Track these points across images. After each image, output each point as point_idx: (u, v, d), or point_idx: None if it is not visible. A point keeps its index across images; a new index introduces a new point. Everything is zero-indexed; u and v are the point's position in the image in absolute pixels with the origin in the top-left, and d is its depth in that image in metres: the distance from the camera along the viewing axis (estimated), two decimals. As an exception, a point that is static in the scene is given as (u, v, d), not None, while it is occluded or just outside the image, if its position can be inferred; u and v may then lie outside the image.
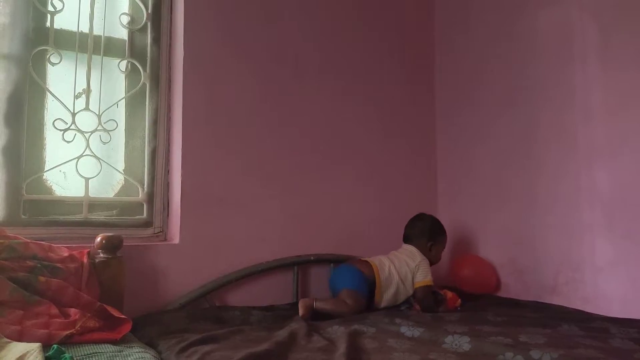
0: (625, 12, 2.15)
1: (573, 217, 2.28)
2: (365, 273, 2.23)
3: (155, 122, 2.34)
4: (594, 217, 2.21)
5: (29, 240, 1.78)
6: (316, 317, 2.03)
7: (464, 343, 1.60)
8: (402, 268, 2.28)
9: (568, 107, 2.33)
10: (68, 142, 2.15)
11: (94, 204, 2.21)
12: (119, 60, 2.30)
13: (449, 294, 2.30)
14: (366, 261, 2.30)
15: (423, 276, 2.28)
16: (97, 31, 2.25)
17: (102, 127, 2.23)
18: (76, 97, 2.19)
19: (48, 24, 2.16)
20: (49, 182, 2.15)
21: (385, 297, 2.25)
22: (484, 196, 2.71)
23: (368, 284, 2.21)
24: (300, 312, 2.02)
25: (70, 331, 1.54)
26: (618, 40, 2.17)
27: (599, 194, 2.20)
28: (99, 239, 1.91)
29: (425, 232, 2.41)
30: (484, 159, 2.72)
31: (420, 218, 2.47)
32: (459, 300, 2.30)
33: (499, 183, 2.63)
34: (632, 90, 2.11)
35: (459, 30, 2.91)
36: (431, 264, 2.36)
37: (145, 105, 2.34)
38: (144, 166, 2.32)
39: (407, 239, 2.43)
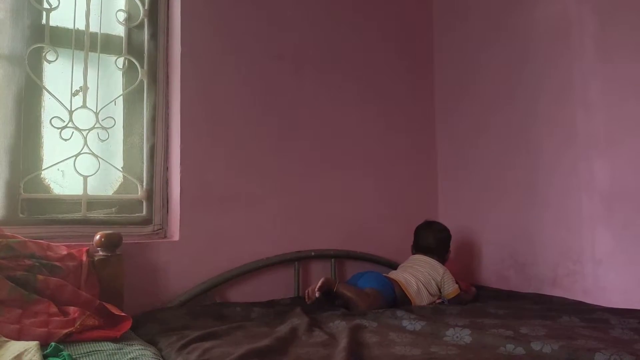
0: (624, 3, 2.14)
1: (572, 209, 2.28)
2: (394, 285, 2.22)
3: (153, 119, 2.33)
4: (593, 209, 2.21)
5: (27, 239, 1.77)
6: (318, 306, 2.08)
7: (465, 336, 1.60)
8: (430, 284, 2.28)
9: (566, 98, 2.32)
10: (66, 140, 2.15)
11: (92, 202, 2.20)
12: (116, 57, 2.29)
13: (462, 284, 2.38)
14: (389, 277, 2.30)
15: (452, 287, 2.31)
16: (93, 28, 2.24)
17: (100, 124, 2.23)
18: (73, 94, 2.19)
19: (44, 21, 2.15)
20: (47, 180, 2.14)
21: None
22: (483, 189, 2.70)
23: (394, 295, 2.19)
24: (318, 284, 2.08)
25: (70, 329, 1.54)
26: (616, 32, 2.16)
27: (598, 186, 2.20)
28: (98, 236, 1.91)
29: (445, 243, 2.44)
30: (483, 152, 2.71)
31: (437, 229, 2.46)
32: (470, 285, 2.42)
33: (498, 175, 2.63)
34: (631, 81, 2.10)
35: (458, 22, 2.90)
36: None
37: (143, 102, 2.33)
38: (143, 163, 2.32)
39: (425, 250, 2.41)
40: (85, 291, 1.73)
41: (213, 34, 2.37)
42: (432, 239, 2.42)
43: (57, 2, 2.16)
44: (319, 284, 2.10)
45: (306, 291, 2.16)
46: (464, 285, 2.40)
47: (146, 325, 1.82)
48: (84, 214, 2.16)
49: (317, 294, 2.09)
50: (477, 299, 2.33)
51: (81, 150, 2.18)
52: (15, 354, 1.25)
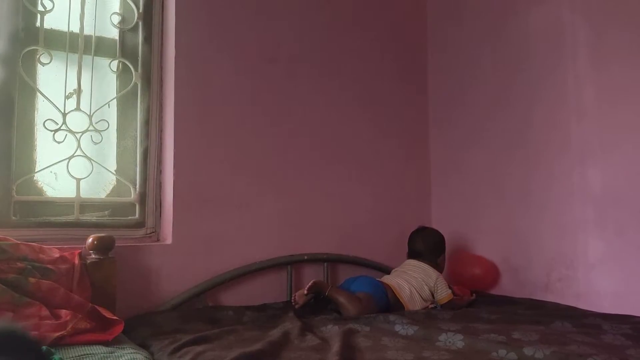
0: (616, 11, 2.16)
1: (565, 214, 2.29)
2: (387, 289, 2.22)
3: (147, 122, 2.33)
4: (586, 215, 2.22)
5: (19, 242, 1.76)
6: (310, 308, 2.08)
7: (457, 341, 1.60)
8: (422, 289, 2.27)
9: (560, 105, 2.34)
10: (59, 142, 2.14)
11: (85, 205, 2.19)
12: (110, 60, 2.29)
13: (456, 289, 2.38)
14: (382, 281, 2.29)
15: (445, 292, 2.30)
16: (87, 31, 2.23)
17: (94, 127, 2.22)
18: (67, 97, 2.18)
19: (38, 23, 2.14)
20: (39, 183, 2.13)
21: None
22: (477, 194, 2.71)
23: (386, 299, 2.19)
24: (307, 286, 2.08)
25: (61, 333, 1.53)
26: (609, 39, 2.18)
27: (591, 192, 2.21)
28: (90, 239, 1.90)
29: (436, 248, 2.43)
30: (477, 157, 2.72)
31: (426, 233, 2.46)
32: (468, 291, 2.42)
33: (492, 181, 2.63)
34: (624, 88, 2.12)
35: (452, 29, 2.91)
36: None
37: (137, 105, 2.33)
38: (136, 166, 2.31)
39: (416, 255, 2.41)
40: (78, 294, 1.72)
41: (207, 37, 2.38)
42: (424, 244, 2.42)
43: (52, 5, 2.15)
44: (308, 285, 2.10)
45: (293, 295, 2.15)
46: (459, 290, 2.40)
47: (138, 329, 1.81)
48: (77, 217, 2.15)
49: (305, 292, 2.09)
50: (471, 305, 2.32)
51: (74, 153, 2.17)
52: (5, 358, 1.24)
